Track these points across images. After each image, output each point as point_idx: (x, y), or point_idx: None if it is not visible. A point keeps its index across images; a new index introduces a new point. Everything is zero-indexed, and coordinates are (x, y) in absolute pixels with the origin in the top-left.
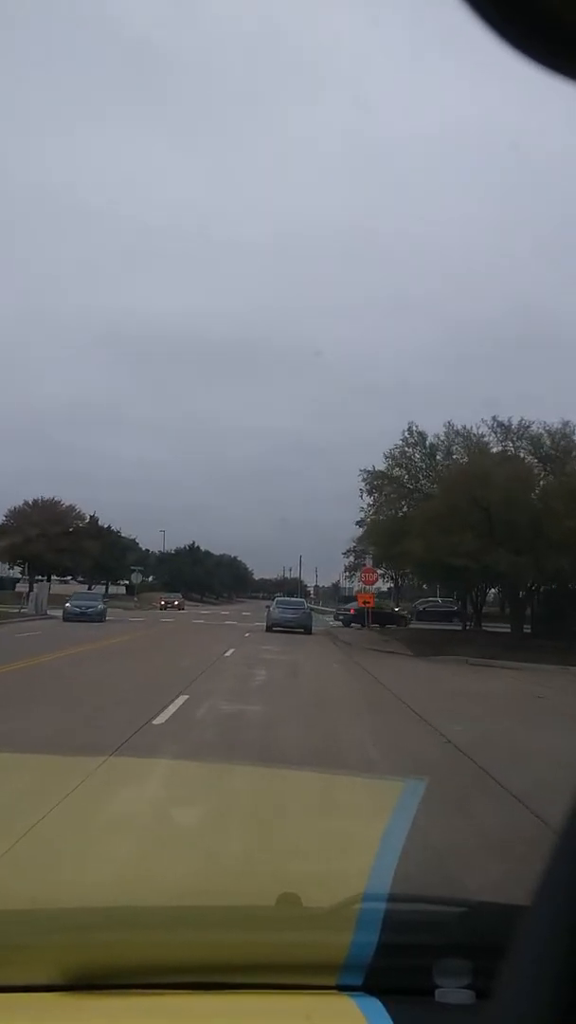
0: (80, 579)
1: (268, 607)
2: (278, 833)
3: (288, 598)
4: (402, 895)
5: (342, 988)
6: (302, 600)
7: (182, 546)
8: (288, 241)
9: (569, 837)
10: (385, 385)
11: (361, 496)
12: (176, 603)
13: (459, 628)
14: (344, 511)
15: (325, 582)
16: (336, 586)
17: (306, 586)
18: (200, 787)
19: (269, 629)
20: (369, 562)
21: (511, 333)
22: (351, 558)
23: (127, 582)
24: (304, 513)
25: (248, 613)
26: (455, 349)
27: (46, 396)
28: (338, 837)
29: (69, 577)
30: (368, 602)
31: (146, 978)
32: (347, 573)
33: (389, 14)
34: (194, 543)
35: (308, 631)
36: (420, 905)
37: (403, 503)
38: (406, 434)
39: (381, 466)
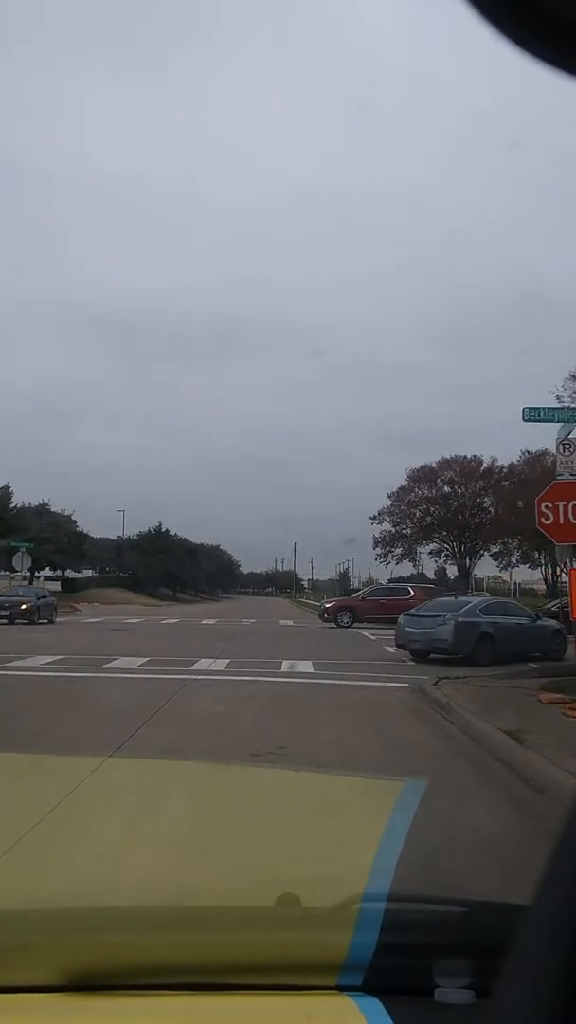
0: None
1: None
2: (278, 833)
3: (434, 601)
4: (402, 895)
5: (342, 988)
6: (465, 599)
7: (146, 530)
8: (274, 216)
9: (569, 837)
10: (378, 370)
11: None
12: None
13: None
14: (343, 499)
15: (321, 575)
16: (344, 575)
17: (300, 579)
18: (198, 786)
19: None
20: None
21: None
22: (383, 524)
23: (58, 573)
24: (297, 504)
25: (211, 621)
26: (454, 331)
27: (10, 382)
28: (338, 837)
29: None
30: None
31: (145, 978)
32: (379, 550)
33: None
34: (160, 525)
35: (473, 661)
36: (420, 905)
37: None
38: None
39: None
